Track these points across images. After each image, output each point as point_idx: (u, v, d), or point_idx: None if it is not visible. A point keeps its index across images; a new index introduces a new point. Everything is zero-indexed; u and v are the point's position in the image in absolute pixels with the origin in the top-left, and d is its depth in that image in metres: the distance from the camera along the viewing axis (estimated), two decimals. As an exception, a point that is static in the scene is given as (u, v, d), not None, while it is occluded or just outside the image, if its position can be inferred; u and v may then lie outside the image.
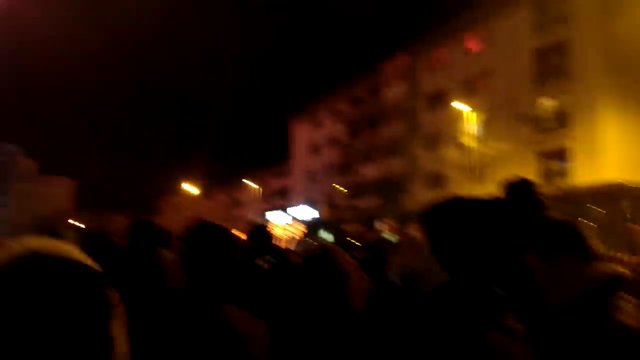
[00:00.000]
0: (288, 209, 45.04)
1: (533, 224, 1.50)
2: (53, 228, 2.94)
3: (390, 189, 33.19)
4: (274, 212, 46.70)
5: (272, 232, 3.88)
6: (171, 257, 3.02)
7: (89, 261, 0.70)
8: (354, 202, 36.91)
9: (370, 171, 35.99)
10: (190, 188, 43.47)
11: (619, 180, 20.04)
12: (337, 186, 39.35)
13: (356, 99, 38.61)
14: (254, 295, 2.33)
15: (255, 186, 51.17)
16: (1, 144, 69.53)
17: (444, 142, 28.94)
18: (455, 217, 1.31)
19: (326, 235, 32.88)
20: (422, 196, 29.73)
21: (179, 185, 44.94)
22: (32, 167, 75.05)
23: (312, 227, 38.39)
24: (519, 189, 2.45)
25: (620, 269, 1.77)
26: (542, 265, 1.81)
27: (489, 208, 1.32)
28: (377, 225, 31.51)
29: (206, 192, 54.70)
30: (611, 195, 19.98)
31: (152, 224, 3.47)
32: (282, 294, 2.30)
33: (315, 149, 44.31)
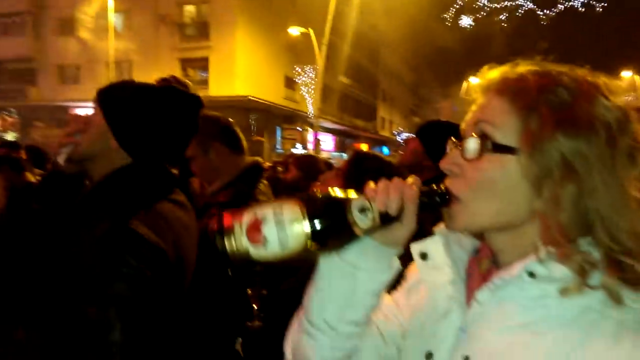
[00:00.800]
0: None
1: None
2: None
3: (8, 77, 26.66)
4: None
5: None
6: None
7: None
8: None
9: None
10: None
11: (249, 95, 22.51)
12: None
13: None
14: None
15: None
16: None
17: (80, 31, 24.96)
18: (135, 97, 1.37)
19: None
20: (52, 90, 25.43)
21: None
22: None
23: None
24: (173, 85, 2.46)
25: (260, 160, 2.36)
26: (200, 154, 2.08)
27: (163, 94, 1.42)
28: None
29: None
30: (241, 108, 22.32)
31: None
32: None
33: None
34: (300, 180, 3.87)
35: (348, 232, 0.75)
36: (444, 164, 0.78)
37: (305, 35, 19.77)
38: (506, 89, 0.74)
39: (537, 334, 0.68)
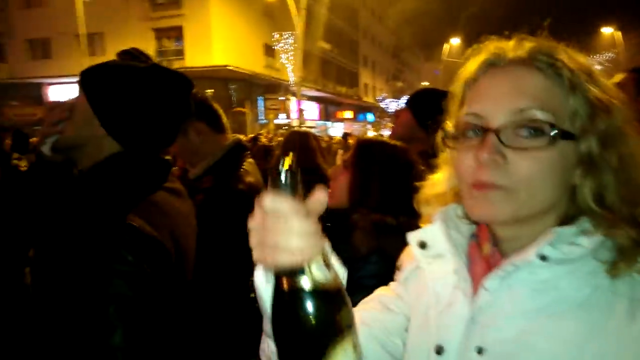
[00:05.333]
0: None
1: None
2: None
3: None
4: None
5: None
6: None
7: None
8: None
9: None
10: None
11: (228, 65, 22.02)
12: None
13: None
14: None
15: None
16: None
17: (50, 2, 23.91)
18: (122, 80, 1.24)
19: None
20: (23, 66, 24.52)
21: None
22: None
23: None
24: (134, 58, 2.17)
25: (242, 138, 2.38)
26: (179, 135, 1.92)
27: (151, 74, 1.28)
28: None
29: None
30: (220, 78, 21.87)
31: None
32: None
33: None
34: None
35: None
36: (485, 156, 0.69)
37: (282, 0, 19.24)
38: (544, 67, 0.70)
39: (552, 317, 0.67)
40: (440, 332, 0.77)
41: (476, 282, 0.76)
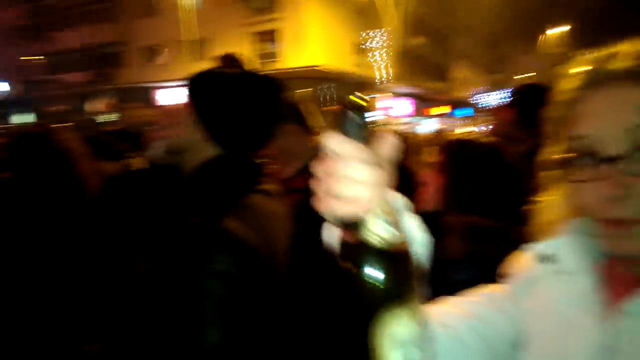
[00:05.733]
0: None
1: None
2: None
3: (101, 61, 28.82)
4: None
5: None
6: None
7: None
8: (56, 76, 30.62)
9: (73, 38, 29.94)
10: None
11: (320, 66, 22.38)
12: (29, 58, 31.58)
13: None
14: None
15: None
16: None
17: (162, 12, 26.14)
18: (224, 87, 1.33)
19: (25, 117, 27.03)
20: (140, 71, 27.11)
21: None
22: None
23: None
24: (231, 62, 2.41)
25: None
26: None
27: (249, 81, 1.35)
28: (90, 105, 27.67)
29: None
30: (313, 78, 22.29)
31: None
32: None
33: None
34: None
35: None
36: (615, 192, 0.63)
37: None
38: None
39: None
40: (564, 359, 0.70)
41: (612, 305, 0.69)
